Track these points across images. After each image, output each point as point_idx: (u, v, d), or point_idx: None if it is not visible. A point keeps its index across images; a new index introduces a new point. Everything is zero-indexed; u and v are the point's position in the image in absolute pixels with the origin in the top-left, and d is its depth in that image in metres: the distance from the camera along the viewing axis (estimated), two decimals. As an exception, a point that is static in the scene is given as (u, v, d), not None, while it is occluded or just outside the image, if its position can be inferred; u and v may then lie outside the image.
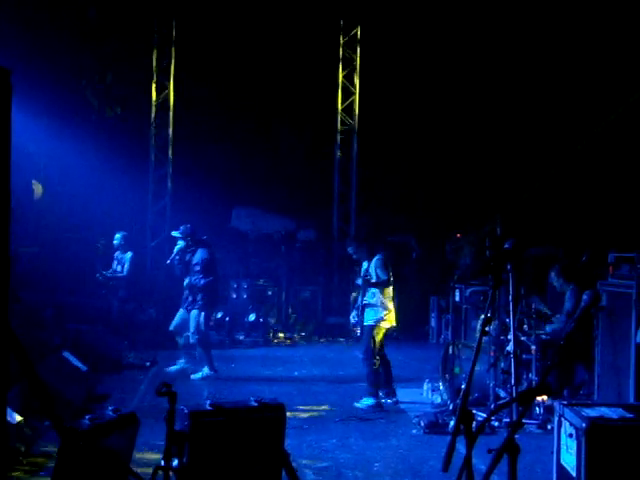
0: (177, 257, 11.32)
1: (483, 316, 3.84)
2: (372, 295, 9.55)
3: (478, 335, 9.16)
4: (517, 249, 4.12)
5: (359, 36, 17.71)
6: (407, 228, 17.09)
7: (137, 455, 4.84)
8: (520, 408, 6.76)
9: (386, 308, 9.52)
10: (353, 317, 10.03)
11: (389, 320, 9.56)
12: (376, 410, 9.21)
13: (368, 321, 9.52)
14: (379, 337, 9.49)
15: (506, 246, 4.03)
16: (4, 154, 3.54)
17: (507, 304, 8.33)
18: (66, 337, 11.39)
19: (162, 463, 4.23)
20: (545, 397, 3.24)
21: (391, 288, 9.63)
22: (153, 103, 17.36)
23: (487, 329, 8.99)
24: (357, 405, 9.36)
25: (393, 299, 9.68)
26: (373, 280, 9.51)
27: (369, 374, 9.47)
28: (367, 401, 9.38)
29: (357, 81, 17.91)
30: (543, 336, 9.24)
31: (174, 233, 11.54)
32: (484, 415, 8.32)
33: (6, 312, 3.46)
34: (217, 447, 4.48)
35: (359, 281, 9.70)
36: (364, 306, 9.55)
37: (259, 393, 5.26)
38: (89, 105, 15.53)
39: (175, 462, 4.14)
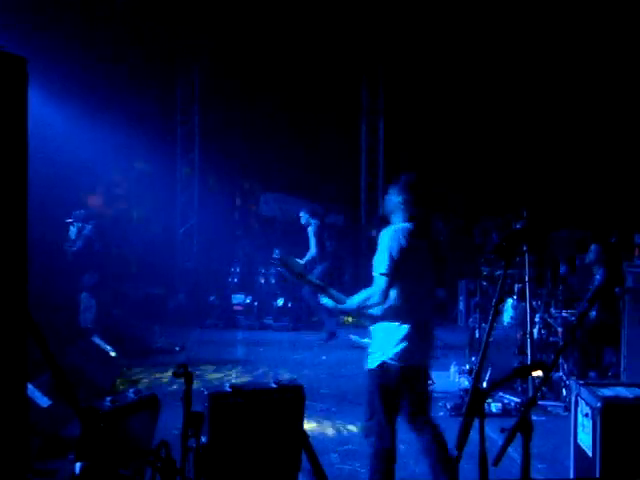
0: None
1: (495, 297, 3.85)
2: None
3: (511, 314, 9.22)
4: (531, 230, 4.10)
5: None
6: (434, 212, 17.03)
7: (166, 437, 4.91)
8: (535, 387, 6.75)
9: None
10: None
11: None
12: None
13: None
14: None
15: (517, 226, 4.01)
16: (21, 143, 3.61)
17: (531, 286, 8.31)
18: (97, 321, 11.55)
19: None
20: (540, 373, 3.23)
21: None
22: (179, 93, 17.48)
23: (510, 311, 9.03)
24: None
25: None
26: None
27: None
28: None
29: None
30: (570, 318, 9.23)
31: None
32: (511, 398, 8.35)
33: (26, 302, 3.53)
34: (236, 428, 4.54)
35: None
36: None
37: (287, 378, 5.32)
38: (112, 89, 15.53)
39: (193, 443, 4.22)
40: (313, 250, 12.87)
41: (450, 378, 10.05)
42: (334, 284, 12.54)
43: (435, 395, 8.97)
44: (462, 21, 15.67)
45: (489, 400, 8.32)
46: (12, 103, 3.56)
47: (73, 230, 11.59)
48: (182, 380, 4.25)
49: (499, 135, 16.71)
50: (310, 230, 13.00)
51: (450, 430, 7.77)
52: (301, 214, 13.30)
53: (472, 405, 3.71)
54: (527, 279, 7.87)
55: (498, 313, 3.57)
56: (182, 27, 16.50)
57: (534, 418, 5.67)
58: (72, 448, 6.67)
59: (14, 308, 3.33)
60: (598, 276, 5.18)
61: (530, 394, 7.80)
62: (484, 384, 8.90)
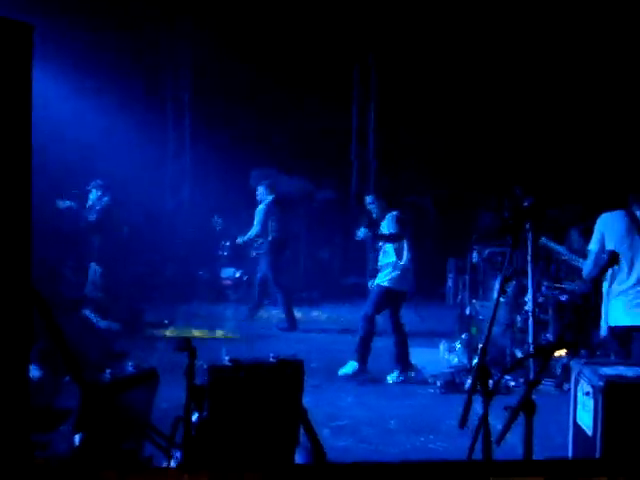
0: None
1: (501, 275, 3.84)
2: (385, 255, 9.08)
3: (496, 294, 9.21)
4: (536, 208, 4.09)
5: None
6: (425, 190, 17.04)
7: (156, 411, 4.90)
8: (537, 367, 6.78)
9: (401, 269, 8.99)
10: (370, 284, 9.59)
11: (400, 282, 9.05)
12: (358, 375, 8.85)
13: (381, 279, 9.07)
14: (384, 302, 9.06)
15: (525, 204, 4.00)
16: (26, 116, 3.53)
17: (525, 264, 8.32)
18: (86, 295, 11.50)
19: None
20: (564, 352, 3.23)
21: (406, 249, 9.03)
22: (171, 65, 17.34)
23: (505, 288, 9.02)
24: (340, 372, 8.94)
25: (411, 261, 9.11)
26: (384, 233, 9.04)
27: (360, 335, 9.04)
28: (349, 367, 8.97)
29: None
30: (561, 297, 9.26)
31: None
32: (505, 377, 8.38)
33: (29, 269, 3.48)
34: (236, 402, 4.53)
35: (361, 232, 9.00)
36: (376, 270, 9.20)
37: (277, 352, 5.29)
38: (105, 59, 15.40)
39: (195, 416, 4.21)
40: (257, 228, 12.32)
41: (440, 355, 10.08)
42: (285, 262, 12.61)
43: (425, 372, 9.06)
44: (454, 6, 15.64)
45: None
46: (16, 75, 3.47)
47: (92, 198, 11.53)
48: (170, 354, 4.24)
49: (491, 112, 16.69)
50: (260, 208, 12.44)
51: (440, 406, 7.86)
52: (258, 188, 12.77)
53: (476, 383, 3.69)
54: (530, 258, 7.87)
55: (504, 292, 3.56)
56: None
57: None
58: (63, 420, 6.69)
59: (18, 277, 3.28)
60: (605, 255, 5.19)
61: (532, 374, 7.84)
62: (474, 362, 8.96)
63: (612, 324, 6.47)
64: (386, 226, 9.02)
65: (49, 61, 11.57)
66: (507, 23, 15.67)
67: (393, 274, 8.97)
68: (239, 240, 12.57)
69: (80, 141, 14.14)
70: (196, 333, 11.15)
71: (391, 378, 8.92)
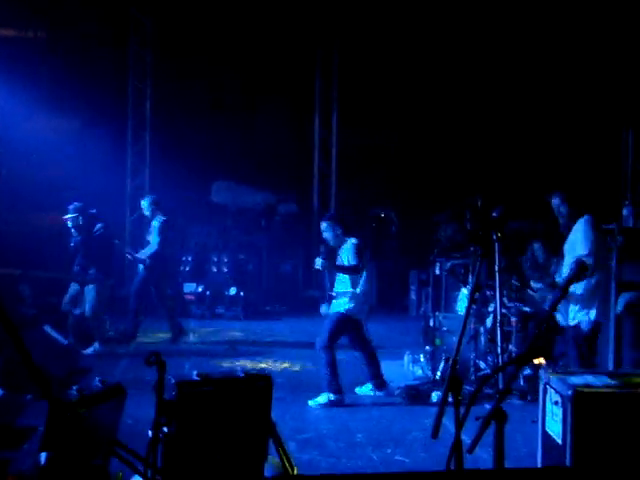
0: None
1: (470, 285, 3.85)
2: (341, 283, 8.70)
3: (466, 304, 9.25)
4: (503, 218, 4.12)
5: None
6: (387, 202, 17.12)
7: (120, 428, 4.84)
8: (506, 376, 6.82)
9: (357, 300, 8.64)
10: (324, 308, 8.86)
11: (357, 310, 8.69)
12: (335, 405, 8.33)
13: (337, 308, 8.67)
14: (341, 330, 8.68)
15: (494, 214, 4.02)
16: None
17: (490, 275, 8.36)
18: (43, 311, 11.35)
19: (150, 433, 4.23)
20: (543, 360, 3.26)
21: (363, 278, 8.68)
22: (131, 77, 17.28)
23: (462, 298, 9.05)
24: (311, 404, 8.39)
25: (367, 286, 8.77)
26: (343, 264, 8.64)
27: (324, 366, 8.53)
28: (322, 398, 8.43)
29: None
30: (524, 308, 9.34)
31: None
32: (467, 387, 8.41)
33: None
34: (204, 417, 4.48)
35: (318, 263, 8.51)
36: (331, 297, 8.74)
37: (242, 367, 5.25)
38: (65, 70, 15.29)
39: (164, 431, 4.15)
40: (154, 247, 11.83)
41: (404, 367, 10.11)
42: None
43: (390, 384, 9.05)
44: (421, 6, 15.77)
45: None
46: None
47: (75, 221, 11.23)
48: (134, 369, 4.19)
49: (452, 126, 16.84)
50: (154, 225, 11.92)
51: (406, 418, 7.87)
52: (143, 203, 12.30)
53: (447, 394, 3.70)
54: (497, 269, 7.90)
55: (474, 302, 3.56)
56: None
57: (487, 406, 5.77)
58: (26, 438, 6.58)
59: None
60: (573, 265, 5.24)
61: (500, 384, 7.88)
62: (438, 374, 8.99)
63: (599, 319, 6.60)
64: (345, 254, 8.68)
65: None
66: (476, 33, 15.82)
67: (349, 304, 8.62)
68: (129, 256, 12.24)
69: (42, 156, 14.02)
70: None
71: (361, 391, 8.86)
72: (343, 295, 8.64)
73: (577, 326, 7.18)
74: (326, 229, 8.81)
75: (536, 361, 3.51)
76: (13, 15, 13.61)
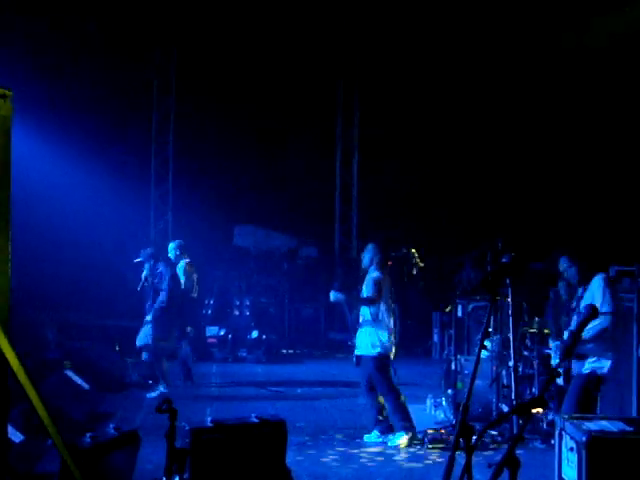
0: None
1: (482, 331, 3.86)
2: (362, 316, 8.75)
3: (477, 349, 9.17)
4: (516, 263, 4.11)
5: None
6: (408, 244, 17.10)
7: (139, 472, 4.85)
8: (521, 422, 6.76)
9: (380, 334, 8.61)
10: (333, 295, 8.89)
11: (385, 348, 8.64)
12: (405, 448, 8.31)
13: (364, 351, 8.67)
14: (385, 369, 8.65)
15: (504, 260, 4.01)
16: (5, 184, 3.55)
17: (508, 319, 8.31)
18: (68, 355, 11.40)
19: (163, 480, 4.24)
20: (541, 410, 3.22)
21: (384, 312, 8.67)
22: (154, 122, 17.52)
23: (486, 343, 9.01)
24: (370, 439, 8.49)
25: (391, 322, 8.75)
26: (362, 295, 8.74)
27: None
28: (398, 438, 8.41)
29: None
30: (546, 351, 9.25)
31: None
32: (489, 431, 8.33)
33: (7, 329, 3.47)
34: (218, 463, 4.49)
35: (332, 296, 8.76)
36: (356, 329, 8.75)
37: (262, 410, 5.25)
38: (88, 120, 15.56)
39: (176, 479, 4.15)
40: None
41: (427, 411, 10.01)
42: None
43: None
44: (441, 57, 15.87)
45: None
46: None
47: (147, 267, 11.48)
48: (155, 415, 4.19)
49: (473, 168, 16.85)
50: (180, 267, 11.95)
51: (427, 463, 7.79)
52: (170, 246, 12.23)
53: (459, 440, 3.67)
54: (510, 312, 7.87)
55: (484, 347, 3.56)
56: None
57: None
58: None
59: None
60: (583, 310, 5.21)
61: (515, 430, 7.79)
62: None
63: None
64: (365, 286, 8.76)
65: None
66: (497, 73, 15.87)
67: (374, 340, 8.60)
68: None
69: (65, 200, 14.23)
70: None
71: (371, 438, 8.70)
72: (366, 325, 8.64)
73: (589, 374, 7.10)
74: (369, 250, 8.92)
75: (534, 410, 3.47)
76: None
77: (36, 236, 13.65)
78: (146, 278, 11.39)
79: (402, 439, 8.36)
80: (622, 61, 14.04)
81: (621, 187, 14.58)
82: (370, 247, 8.96)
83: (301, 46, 16.14)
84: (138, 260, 11.46)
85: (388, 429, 8.64)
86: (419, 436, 8.57)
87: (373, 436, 8.66)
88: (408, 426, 8.44)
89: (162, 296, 11.19)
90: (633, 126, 14.30)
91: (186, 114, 17.32)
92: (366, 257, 8.93)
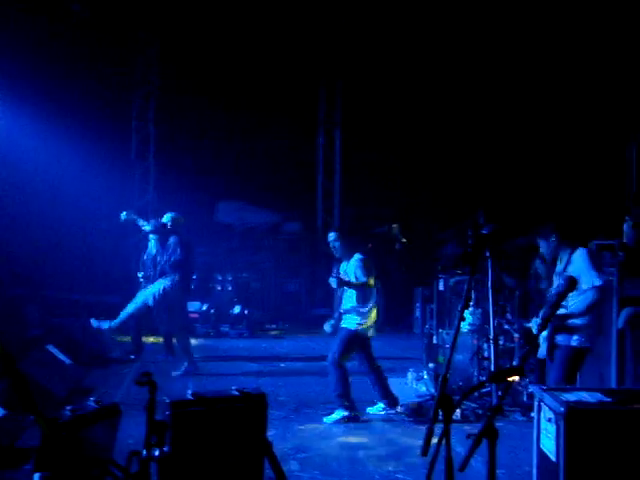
0: None
1: (460, 303, 3.87)
2: (349, 300, 8.57)
3: (469, 321, 9.20)
4: (496, 235, 4.10)
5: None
6: (391, 219, 17.12)
7: (121, 446, 4.84)
8: (499, 393, 6.80)
9: (367, 316, 8.53)
10: (328, 327, 8.72)
11: (367, 327, 8.56)
12: (351, 421, 8.29)
13: (348, 324, 8.55)
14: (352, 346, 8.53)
15: (484, 232, 4.00)
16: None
17: (488, 292, 8.33)
18: (49, 331, 11.37)
19: (144, 453, 4.23)
20: (517, 378, 3.24)
21: (373, 294, 8.60)
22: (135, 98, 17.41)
23: (466, 316, 9.03)
24: (326, 420, 8.31)
25: (376, 302, 8.67)
26: (351, 281, 8.50)
27: (336, 382, 8.40)
28: (337, 414, 8.36)
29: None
30: (527, 324, 9.30)
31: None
32: (468, 403, 8.39)
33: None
34: (199, 436, 4.48)
35: (334, 282, 8.43)
36: (341, 314, 8.62)
37: (245, 385, 5.24)
38: (69, 99, 15.44)
39: (156, 452, 4.15)
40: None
41: (408, 384, 10.08)
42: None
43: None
44: (421, 35, 15.82)
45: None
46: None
47: (153, 239, 11.39)
48: (137, 389, 4.18)
49: (455, 142, 16.86)
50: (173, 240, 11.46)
51: (408, 435, 7.84)
52: (166, 217, 11.66)
53: (438, 411, 3.68)
54: (490, 285, 7.89)
55: (463, 319, 3.58)
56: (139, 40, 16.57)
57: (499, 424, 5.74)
58: (27, 459, 6.58)
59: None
60: (561, 280, 5.22)
61: (494, 401, 7.83)
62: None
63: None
64: (351, 270, 8.55)
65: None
66: (477, 53, 15.87)
67: (360, 321, 8.50)
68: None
69: (46, 176, 14.14)
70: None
71: (373, 410, 8.76)
72: (352, 311, 8.53)
73: (576, 347, 7.13)
74: (334, 239, 8.70)
75: (510, 379, 3.49)
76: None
77: (16, 214, 13.59)
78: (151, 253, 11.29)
79: (337, 415, 8.32)
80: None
81: (602, 158, 14.64)
82: (334, 236, 8.71)
83: (286, 25, 16.05)
84: (126, 219, 11.46)
85: (393, 403, 8.67)
86: (399, 409, 8.61)
87: (378, 408, 8.70)
88: (347, 405, 8.36)
89: (180, 272, 11.02)
90: (608, 100, 14.40)
91: (168, 90, 17.20)
92: (337, 246, 8.68)
